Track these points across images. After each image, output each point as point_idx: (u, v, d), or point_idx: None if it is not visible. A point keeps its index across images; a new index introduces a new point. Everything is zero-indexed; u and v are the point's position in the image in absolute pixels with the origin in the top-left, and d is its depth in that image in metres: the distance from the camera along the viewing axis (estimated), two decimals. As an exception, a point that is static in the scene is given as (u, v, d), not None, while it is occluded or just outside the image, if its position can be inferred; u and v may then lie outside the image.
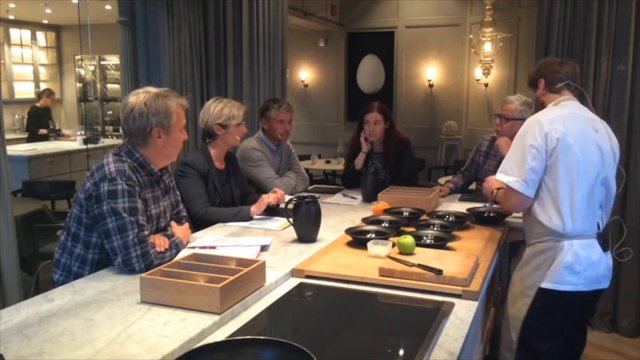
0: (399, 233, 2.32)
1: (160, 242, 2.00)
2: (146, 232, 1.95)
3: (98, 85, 9.05)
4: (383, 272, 1.85)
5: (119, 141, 5.60)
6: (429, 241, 2.25)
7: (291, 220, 2.36)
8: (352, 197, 3.31)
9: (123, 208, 1.90)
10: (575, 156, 2.11)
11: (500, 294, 2.81)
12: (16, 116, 8.61)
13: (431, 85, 7.38)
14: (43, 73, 9.27)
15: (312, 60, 7.98)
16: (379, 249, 2.05)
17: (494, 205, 2.68)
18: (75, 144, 6.91)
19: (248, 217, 2.69)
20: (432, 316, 1.57)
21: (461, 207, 2.95)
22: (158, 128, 2.02)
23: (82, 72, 9.23)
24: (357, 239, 2.26)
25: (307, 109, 8.08)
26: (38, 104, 7.71)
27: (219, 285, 1.54)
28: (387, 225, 2.50)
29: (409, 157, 3.53)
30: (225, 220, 2.66)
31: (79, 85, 9.31)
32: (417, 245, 2.06)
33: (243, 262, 1.77)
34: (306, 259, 2.04)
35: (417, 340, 1.41)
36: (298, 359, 1.13)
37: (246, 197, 2.97)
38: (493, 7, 6.09)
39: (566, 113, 2.20)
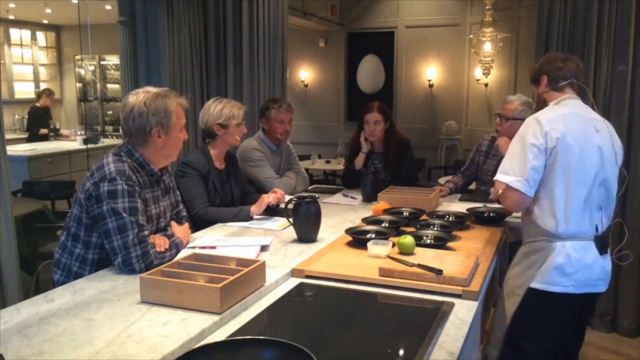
0: (399, 233, 2.32)
1: (160, 242, 2.00)
2: (146, 232, 1.95)
3: (98, 85, 9.06)
4: (383, 272, 1.85)
5: (119, 141, 5.61)
6: (429, 241, 2.25)
7: (291, 220, 2.36)
8: (352, 197, 3.31)
9: (123, 208, 1.90)
10: (574, 156, 2.09)
11: (500, 294, 2.81)
12: (16, 116, 8.62)
13: (431, 85, 7.38)
14: (43, 73, 9.27)
15: (312, 60, 7.98)
16: (379, 249, 2.05)
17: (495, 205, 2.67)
18: (75, 144, 6.91)
19: (248, 217, 2.69)
20: (432, 316, 1.57)
21: (461, 207, 2.95)
22: (158, 128, 2.02)
23: (82, 72, 9.23)
24: (357, 239, 2.26)
25: (307, 109, 8.08)
26: (38, 104, 7.71)
27: (219, 285, 1.54)
28: (387, 225, 2.50)
29: (409, 157, 3.53)
30: (225, 220, 2.66)
31: (79, 85, 9.31)
32: (417, 245, 2.06)
33: (243, 262, 1.77)
34: (306, 259, 2.04)
35: (417, 340, 1.41)
36: (298, 359, 1.13)
37: (246, 197, 2.97)
38: (493, 7, 6.09)
39: (566, 113, 2.17)
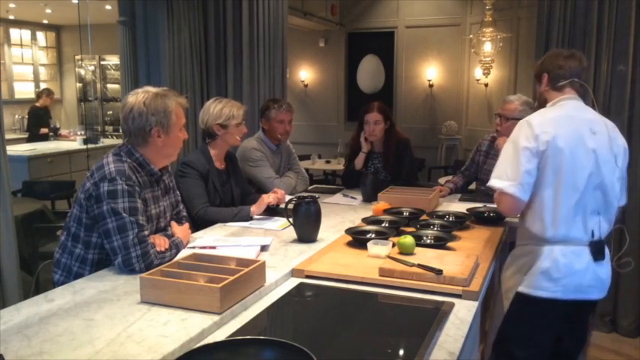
0: (399, 233, 2.32)
1: (160, 242, 2.00)
2: (146, 232, 1.95)
3: (98, 85, 9.05)
4: (383, 272, 1.85)
5: (119, 141, 5.59)
6: (429, 241, 2.25)
7: (291, 220, 2.36)
8: (352, 197, 3.31)
9: (123, 208, 1.90)
10: (565, 159, 2.03)
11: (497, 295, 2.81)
12: (16, 116, 8.61)
13: (431, 85, 7.38)
14: (43, 73, 9.27)
15: (312, 60, 7.98)
16: (379, 249, 2.05)
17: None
18: (75, 144, 6.91)
19: (248, 217, 2.69)
20: (432, 316, 1.57)
21: (461, 207, 2.95)
22: (157, 128, 2.02)
23: (82, 72, 9.23)
24: (357, 239, 2.26)
25: (307, 109, 8.08)
26: (38, 104, 7.71)
27: (219, 285, 1.54)
28: (387, 225, 2.50)
29: (409, 157, 3.53)
30: (225, 220, 2.66)
31: (79, 85, 9.31)
32: (417, 245, 2.06)
33: (243, 262, 1.77)
34: (306, 259, 2.04)
35: (417, 340, 1.41)
36: (298, 359, 1.13)
37: (246, 197, 2.97)
38: (493, 7, 6.09)
39: (559, 115, 2.12)
